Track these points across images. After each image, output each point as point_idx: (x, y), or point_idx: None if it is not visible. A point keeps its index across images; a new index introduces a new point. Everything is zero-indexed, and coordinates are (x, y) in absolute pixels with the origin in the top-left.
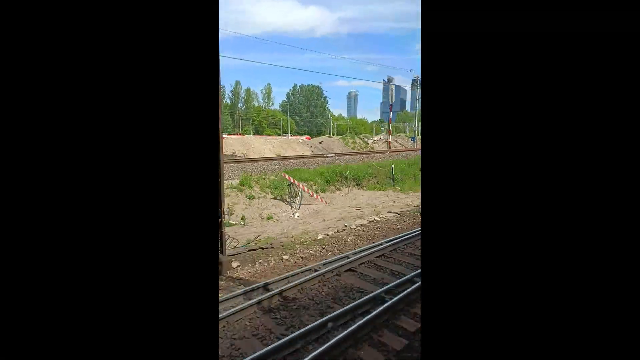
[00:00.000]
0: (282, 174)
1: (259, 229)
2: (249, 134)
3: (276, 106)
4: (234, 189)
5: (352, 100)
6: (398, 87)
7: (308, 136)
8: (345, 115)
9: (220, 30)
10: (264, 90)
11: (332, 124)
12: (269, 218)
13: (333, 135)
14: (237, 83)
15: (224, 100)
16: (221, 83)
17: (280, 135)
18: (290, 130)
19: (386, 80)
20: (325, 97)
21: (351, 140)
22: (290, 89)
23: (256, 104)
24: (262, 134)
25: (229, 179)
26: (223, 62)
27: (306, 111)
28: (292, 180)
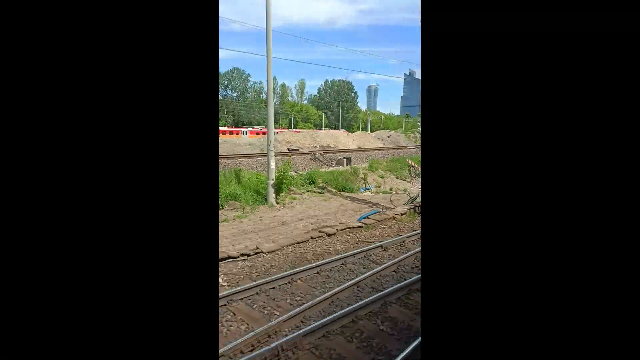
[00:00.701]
0: (407, 160)
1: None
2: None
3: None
4: (368, 170)
5: (372, 93)
6: (417, 80)
7: (345, 130)
8: (363, 108)
9: (239, 24)
10: (297, 86)
11: (369, 119)
12: (404, 190)
13: (364, 129)
14: (274, 79)
15: (261, 96)
16: (255, 79)
17: (312, 129)
18: (324, 125)
19: (408, 74)
20: (355, 92)
21: (412, 135)
22: (322, 84)
23: (289, 99)
24: (296, 128)
25: (360, 163)
26: (244, 56)
27: (337, 106)
28: (411, 164)
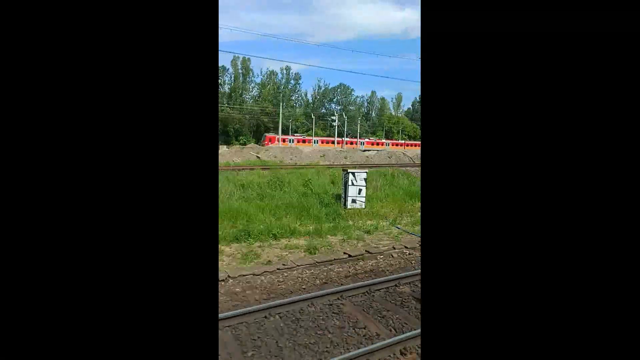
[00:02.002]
0: None
1: None
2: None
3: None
4: None
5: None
6: None
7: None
8: None
9: (313, 37)
10: (394, 99)
11: None
12: None
13: None
14: (373, 93)
15: (362, 110)
16: (356, 92)
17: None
18: (417, 137)
19: None
20: None
21: None
22: (417, 97)
23: (389, 111)
24: (391, 139)
25: None
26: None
27: None
28: None
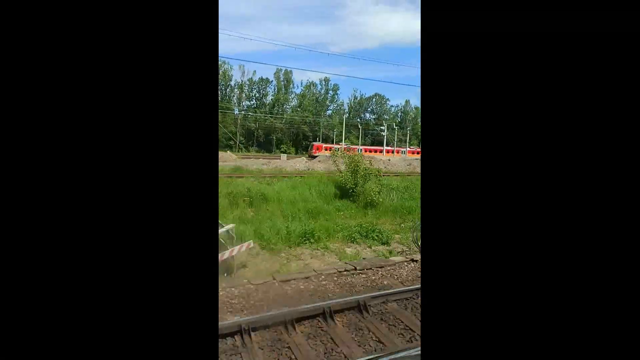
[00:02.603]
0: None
1: None
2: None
3: None
4: None
5: None
6: None
7: None
8: None
9: (337, 46)
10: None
11: None
12: None
13: None
14: (407, 102)
15: (396, 119)
16: (392, 102)
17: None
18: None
19: None
20: None
21: None
22: None
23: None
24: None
25: None
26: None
27: None
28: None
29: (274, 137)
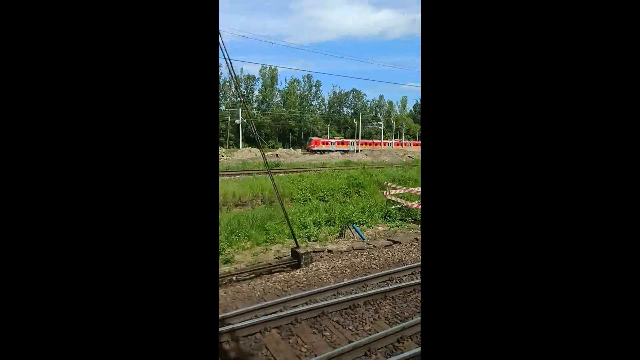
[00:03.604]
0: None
1: None
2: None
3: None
4: None
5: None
6: None
7: None
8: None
9: (294, 39)
10: (399, 103)
11: None
12: None
13: None
14: (381, 97)
15: (372, 113)
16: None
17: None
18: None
19: None
20: None
21: None
22: (418, 100)
23: (395, 113)
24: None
25: None
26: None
27: None
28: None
29: (263, 133)
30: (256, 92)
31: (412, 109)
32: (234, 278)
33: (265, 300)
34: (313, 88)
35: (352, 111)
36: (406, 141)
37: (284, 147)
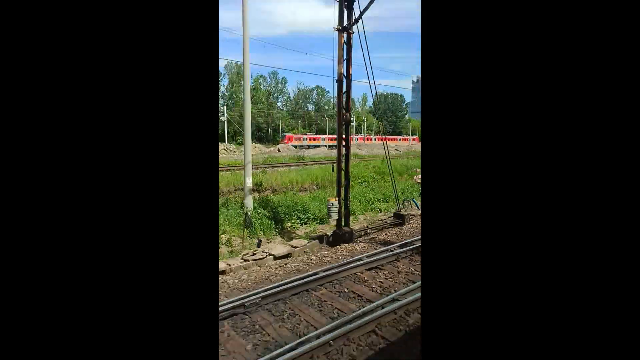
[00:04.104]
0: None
1: None
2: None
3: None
4: None
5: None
6: None
7: (417, 137)
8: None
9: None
10: (359, 99)
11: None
12: None
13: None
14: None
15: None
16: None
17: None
18: (383, 132)
19: (415, 81)
20: (407, 103)
21: None
22: (375, 97)
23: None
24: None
25: None
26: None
27: (392, 115)
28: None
29: (232, 130)
30: (222, 89)
31: (372, 105)
32: (368, 231)
33: (402, 241)
34: (279, 85)
35: (316, 107)
36: (379, 136)
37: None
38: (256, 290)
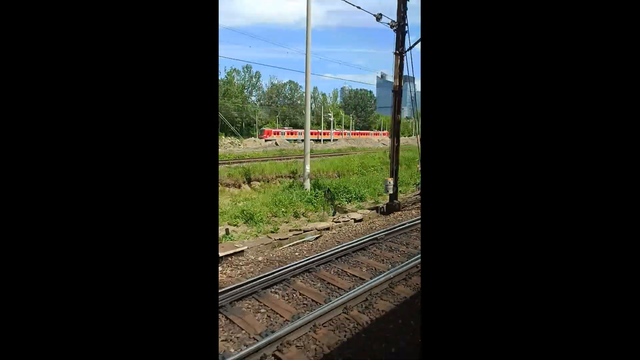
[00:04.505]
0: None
1: None
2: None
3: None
4: None
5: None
6: (390, 83)
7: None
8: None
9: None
10: (330, 94)
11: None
12: None
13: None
14: (315, 89)
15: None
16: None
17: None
18: (354, 127)
19: (380, 77)
20: (375, 99)
21: None
22: (346, 93)
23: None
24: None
25: None
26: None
27: (361, 110)
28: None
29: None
30: None
31: (342, 101)
32: (406, 205)
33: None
34: (253, 79)
35: (288, 101)
36: (359, 131)
37: (225, 137)
38: (371, 234)
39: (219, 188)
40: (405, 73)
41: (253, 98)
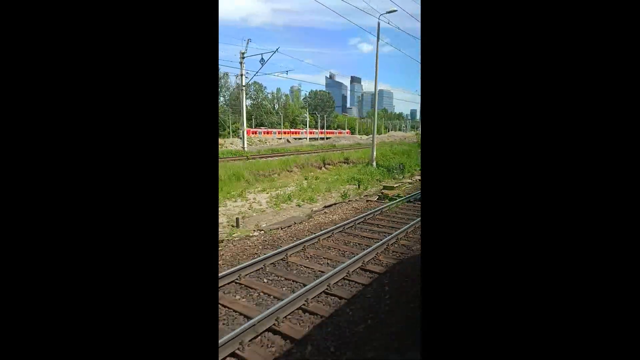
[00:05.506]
0: None
1: None
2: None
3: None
4: None
5: (294, 94)
6: (339, 83)
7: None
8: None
9: None
10: (289, 94)
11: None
12: None
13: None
14: (278, 90)
15: (271, 104)
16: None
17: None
18: (319, 126)
19: (328, 77)
20: (334, 100)
21: (416, 133)
22: (307, 94)
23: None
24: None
25: None
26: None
27: (321, 110)
28: None
29: None
30: None
31: (304, 101)
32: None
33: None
34: (221, 79)
35: (253, 101)
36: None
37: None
38: None
39: (309, 168)
40: (352, 74)
41: (221, 99)
